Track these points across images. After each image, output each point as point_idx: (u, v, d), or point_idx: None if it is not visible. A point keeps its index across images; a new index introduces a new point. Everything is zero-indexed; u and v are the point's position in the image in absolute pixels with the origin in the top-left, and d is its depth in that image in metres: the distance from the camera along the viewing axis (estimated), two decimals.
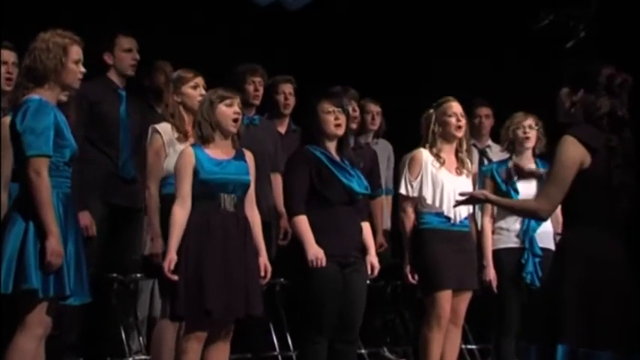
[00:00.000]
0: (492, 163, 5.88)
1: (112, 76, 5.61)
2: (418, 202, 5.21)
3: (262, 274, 4.58)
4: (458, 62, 7.31)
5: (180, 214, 4.47)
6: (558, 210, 3.88)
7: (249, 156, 4.67)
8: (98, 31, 5.55)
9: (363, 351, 6.14)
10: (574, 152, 3.67)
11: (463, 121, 5.25)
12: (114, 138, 5.49)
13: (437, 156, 5.22)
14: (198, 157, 4.53)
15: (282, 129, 6.05)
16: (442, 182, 5.17)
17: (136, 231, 5.56)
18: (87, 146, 5.29)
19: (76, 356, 5.41)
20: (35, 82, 4.04)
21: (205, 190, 4.51)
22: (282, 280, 5.73)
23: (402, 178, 5.23)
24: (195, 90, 4.94)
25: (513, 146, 5.62)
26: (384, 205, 6.35)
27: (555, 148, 3.71)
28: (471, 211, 5.32)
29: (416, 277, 5.20)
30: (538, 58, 6.74)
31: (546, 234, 5.42)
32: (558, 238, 3.89)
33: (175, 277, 4.41)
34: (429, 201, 5.17)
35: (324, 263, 4.72)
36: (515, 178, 5.40)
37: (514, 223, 5.47)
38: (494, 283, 5.43)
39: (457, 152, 5.28)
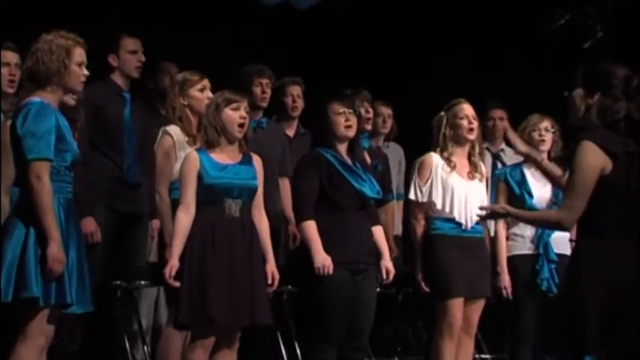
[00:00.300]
0: (506, 166, 5.89)
1: (117, 78, 5.61)
2: (428, 207, 5.21)
3: (269, 281, 4.59)
4: (472, 63, 7.32)
5: (184, 219, 4.49)
6: None
7: (257, 160, 4.67)
8: (102, 32, 5.56)
9: None
10: (594, 158, 3.62)
11: (475, 124, 5.25)
12: (118, 142, 5.50)
13: (448, 160, 5.21)
14: (203, 161, 4.54)
15: (291, 132, 6.05)
16: (452, 187, 5.17)
17: (140, 237, 5.57)
18: (91, 150, 5.30)
19: None
20: (37, 85, 4.05)
21: (210, 195, 4.52)
22: (290, 287, 5.74)
23: (412, 183, 5.24)
24: (202, 93, 4.96)
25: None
26: (395, 210, 6.36)
27: (574, 154, 3.66)
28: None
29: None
30: (554, 59, 6.74)
31: (562, 239, 5.40)
32: (572, 244, 3.83)
33: (177, 284, 4.42)
34: (439, 206, 5.17)
35: (331, 271, 4.73)
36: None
37: (528, 229, 5.47)
38: (509, 290, 5.44)
39: (469, 156, 5.28)
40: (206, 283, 4.41)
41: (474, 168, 5.28)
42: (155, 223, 5.43)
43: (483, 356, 6.43)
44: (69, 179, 4.09)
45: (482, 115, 5.94)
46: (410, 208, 5.29)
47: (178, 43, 6.52)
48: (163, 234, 4.90)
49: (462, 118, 5.23)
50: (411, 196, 5.23)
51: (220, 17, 6.93)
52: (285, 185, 5.71)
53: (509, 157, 6.32)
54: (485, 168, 5.45)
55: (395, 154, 6.63)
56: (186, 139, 4.90)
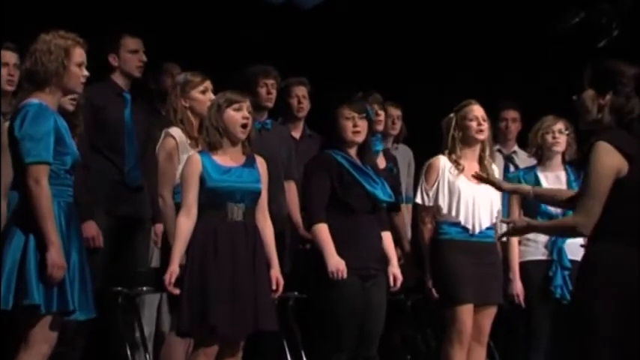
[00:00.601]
0: (519, 170, 5.89)
1: (117, 78, 5.62)
2: (435, 211, 5.22)
3: (274, 287, 4.59)
4: (484, 63, 7.31)
5: (186, 223, 4.49)
6: None
7: (261, 162, 4.67)
8: (102, 31, 5.58)
9: None
10: (610, 160, 3.60)
11: (485, 125, 5.25)
12: (119, 144, 5.49)
13: (456, 162, 5.22)
14: (205, 164, 4.54)
15: (297, 134, 6.05)
16: (459, 190, 5.17)
17: (142, 242, 5.57)
18: (90, 153, 5.29)
19: None
20: (36, 86, 4.06)
21: (212, 198, 4.52)
22: (296, 293, 5.74)
23: (419, 186, 5.26)
24: (204, 94, 4.98)
25: (542, 152, 5.63)
26: (405, 214, 6.36)
27: (588, 156, 3.62)
28: (494, 221, 5.32)
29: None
30: (569, 59, 6.73)
31: (576, 245, 5.36)
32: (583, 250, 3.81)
33: (177, 291, 4.43)
34: (445, 210, 5.18)
35: (345, 275, 4.74)
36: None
37: (541, 234, 5.47)
38: (522, 298, 5.44)
39: (480, 159, 5.28)
40: (207, 290, 4.42)
41: (484, 171, 5.27)
42: (158, 228, 5.45)
43: None
44: (69, 183, 4.09)
45: (494, 116, 5.94)
46: (417, 211, 5.31)
47: (181, 43, 6.53)
48: (167, 238, 4.91)
49: (471, 120, 5.24)
50: (418, 199, 5.24)
51: (224, 17, 6.94)
52: (291, 188, 5.71)
53: (522, 160, 6.32)
54: (497, 171, 5.45)
55: (404, 156, 6.63)
56: (189, 141, 4.91)
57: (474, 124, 5.23)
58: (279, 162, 5.67)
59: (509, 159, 6.48)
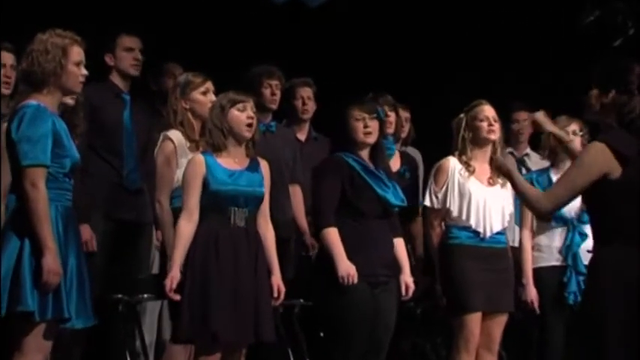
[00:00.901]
0: (532, 172, 5.87)
1: (115, 79, 5.63)
2: (445, 214, 5.21)
3: (275, 294, 4.59)
4: (495, 63, 7.31)
5: (187, 228, 4.48)
6: None
7: (264, 166, 4.67)
8: (102, 31, 5.59)
9: None
10: (599, 158, 3.63)
11: (496, 126, 5.24)
12: (117, 146, 5.50)
13: (466, 164, 5.21)
14: (210, 165, 4.53)
15: (302, 136, 6.05)
16: (470, 193, 5.16)
17: (142, 247, 5.58)
18: (88, 155, 5.27)
19: None
20: (33, 87, 4.06)
21: (215, 202, 4.52)
22: (301, 301, 5.74)
23: (427, 188, 5.24)
24: (205, 96, 4.96)
25: (555, 154, 5.61)
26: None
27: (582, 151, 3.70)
28: (506, 225, 5.31)
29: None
30: (583, 58, 6.72)
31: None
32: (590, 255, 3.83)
33: (177, 297, 4.43)
34: (455, 213, 5.17)
35: (355, 280, 4.74)
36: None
37: (556, 239, 5.46)
38: (536, 304, 5.43)
39: (492, 160, 5.25)
40: (209, 296, 4.42)
41: (495, 173, 5.26)
42: (160, 233, 5.44)
43: None
44: (68, 186, 4.09)
45: (505, 117, 5.93)
46: (426, 215, 5.29)
47: (183, 43, 6.54)
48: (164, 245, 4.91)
49: (481, 120, 5.23)
50: (427, 202, 5.24)
51: (226, 16, 6.94)
52: (296, 192, 5.71)
53: (534, 163, 6.30)
54: None
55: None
56: (188, 144, 4.90)
57: (484, 124, 5.22)
58: (284, 165, 5.68)
59: (521, 161, 6.47)
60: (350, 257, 4.78)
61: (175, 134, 4.94)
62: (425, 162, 6.56)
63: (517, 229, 5.65)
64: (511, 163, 6.27)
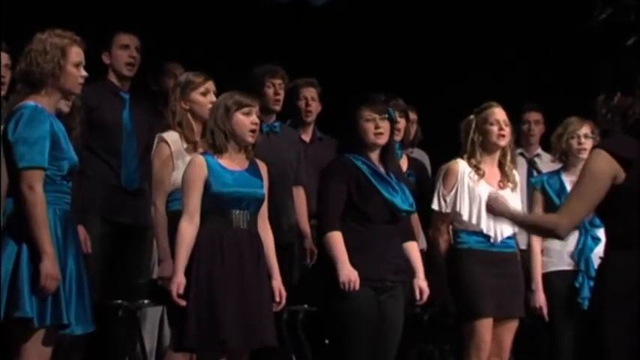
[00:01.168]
0: (542, 174, 5.85)
1: (112, 77, 5.64)
2: (454, 219, 5.21)
3: (277, 298, 4.60)
4: (504, 62, 7.31)
5: (189, 231, 4.48)
6: None
7: (262, 167, 4.68)
8: (101, 31, 5.61)
9: None
10: (605, 166, 3.63)
11: (507, 130, 5.23)
12: (116, 146, 5.50)
13: (476, 168, 5.21)
14: (211, 167, 4.54)
15: (307, 137, 6.04)
16: (480, 197, 5.14)
17: (142, 251, 5.57)
18: (85, 156, 5.25)
19: None
20: (31, 88, 4.06)
21: (217, 204, 4.52)
22: (305, 306, 5.76)
23: (435, 192, 5.23)
24: (205, 97, 4.95)
25: (566, 157, 5.61)
26: (417, 222, 6.35)
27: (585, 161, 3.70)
28: (516, 229, 5.32)
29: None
30: (595, 57, 6.72)
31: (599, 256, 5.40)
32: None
33: (184, 303, 4.42)
34: (465, 218, 5.16)
35: (357, 286, 4.74)
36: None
37: (567, 243, 5.46)
38: (545, 310, 5.44)
39: (500, 164, 5.28)
40: (215, 302, 4.42)
41: (505, 177, 5.27)
42: None
43: None
44: (66, 189, 4.10)
45: (516, 118, 5.94)
46: (433, 219, 5.29)
47: (184, 42, 6.55)
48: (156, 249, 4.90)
49: (492, 124, 5.22)
50: (434, 206, 5.22)
51: (229, 14, 6.95)
52: (299, 195, 5.71)
53: (545, 164, 6.30)
54: (519, 176, 5.44)
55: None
56: (185, 145, 4.89)
57: (495, 128, 5.21)
58: (288, 167, 5.68)
59: (532, 163, 6.46)
60: (355, 262, 4.78)
61: (171, 136, 4.92)
62: (431, 164, 6.58)
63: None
64: (521, 164, 6.30)
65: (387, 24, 7.38)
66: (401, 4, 7.32)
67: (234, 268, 4.49)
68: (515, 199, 5.27)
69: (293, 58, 6.32)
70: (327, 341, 5.33)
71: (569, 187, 5.51)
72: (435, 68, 7.38)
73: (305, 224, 5.70)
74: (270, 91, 5.74)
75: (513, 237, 5.29)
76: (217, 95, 4.91)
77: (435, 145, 6.48)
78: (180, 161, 4.84)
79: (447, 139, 5.58)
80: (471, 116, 5.30)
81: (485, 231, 5.17)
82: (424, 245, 6.48)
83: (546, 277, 5.49)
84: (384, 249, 4.87)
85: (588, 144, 5.54)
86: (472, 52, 7.37)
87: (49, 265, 3.92)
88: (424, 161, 6.63)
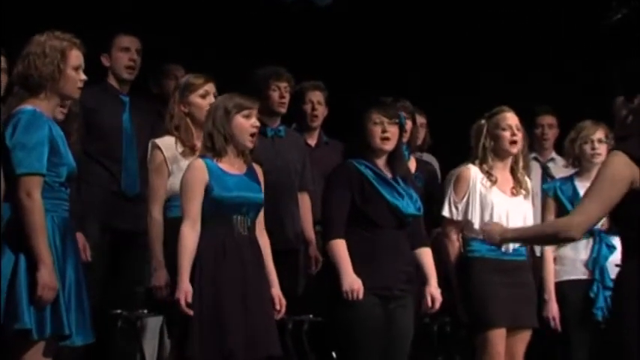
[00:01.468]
0: (555, 180, 5.85)
1: (112, 80, 5.65)
2: (464, 226, 5.22)
3: (277, 307, 4.60)
4: (517, 64, 7.31)
5: (191, 237, 4.47)
6: None
7: (259, 172, 4.69)
8: (100, 32, 5.62)
9: None
10: (624, 169, 3.62)
11: (519, 135, 5.23)
12: (116, 151, 5.51)
13: (488, 174, 5.22)
14: (212, 171, 4.53)
15: (312, 141, 6.05)
16: (492, 204, 5.16)
17: (143, 259, 5.58)
18: (84, 161, 5.23)
19: None
20: (29, 92, 4.06)
21: (218, 210, 4.52)
22: (310, 316, 5.77)
23: (446, 198, 5.23)
24: (204, 99, 4.91)
25: (580, 163, 5.62)
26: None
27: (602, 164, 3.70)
28: None
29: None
30: (610, 58, 6.73)
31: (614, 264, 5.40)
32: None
33: (192, 312, 4.40)
34: (477, 225, 5.16)
35: (360, 295, 4.75)
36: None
37: (582, 251, 5.47)
38: (557, 321, 5.44)
39: (512, 170, 5.28)
40: (220, 312, 4.42)
41: (517, 183, 5.27)
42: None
43: None
44: (64, 196, 4.10)
45: (529, 122, 5.94)
46: (443, 226, 5.29)
47: (186, 43, 6.56)
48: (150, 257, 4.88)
49: (504, 129, 5.22)
50: (445, 213, 5.23)
51: (231, 15, 6.96)
52: (304, 200, 5.71)
53: (559, 168, 6.30)
54: (532, 182, 5.45)
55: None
56: (181, 149, 4.87)
57: (507, 133, 5.22)
58: (293, 172, 5.69)
59: (545, 168, 6.46)
60: (360, 269, 4.78)
61: (165, 141, 4.90)
62: (440, 169, 6.59)
63: None
64: (535, 169, 6.30)
65: (395, 25, 7.38)
66: (409, 4, 7.32)
67: (238, 277, 4.49)
68: (527, 207, 5.29)
69: (297, 60, 6.32)
70: (334, 354, 5.35)
71: (582, 194, 5.50)
72: (445, 70, 7.38)
73: (310, 231, 5.71)
74: (275, 94, 5.73)
75: (525, 245, 5.30)
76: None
77: (445, 149, 6.48)
78: (176, 166, 4.83)
79: (455, 143, 5.58)
80: (482, 121, 5.31)
81: None
82: None
83: (559, 286, 5.49)
84: (392, 256, 4.87)
85: (602, 149, 5.54)
86: (483, 54, 7.37)
87: (47, 275, 3.92)
88: (434, 166, 6.63)
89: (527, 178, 5.35)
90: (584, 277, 5.50)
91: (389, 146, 4.91)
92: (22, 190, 3.96)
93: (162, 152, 4.87)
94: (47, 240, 3.97)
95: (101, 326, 4.98)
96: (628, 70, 3.80)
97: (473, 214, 5.19)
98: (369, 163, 4.91)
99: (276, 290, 4.62)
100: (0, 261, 3.95)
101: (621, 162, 3.64)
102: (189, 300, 4.41)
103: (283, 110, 5.81)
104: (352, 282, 4.75)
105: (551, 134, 6.65)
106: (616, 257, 5.37)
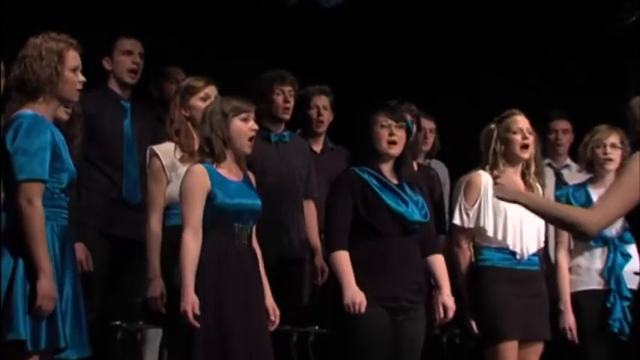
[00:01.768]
0: (568, 186, 5.84)
1: (113, 85, 5.66)
2: (476, 234, 5.21)
3: (272, 317, 4.60)
4: (528, 68, 7.31)
5: (194, 246, 4.46)
6: None
7: (253, 178, 4.69)
8: (101, 35, 5.62)
9: None
10: None
11: (531, 139, 5.23)
12: (117, 157, 5.51)
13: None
14: (214, 177, 4.53)
15: (318, 147, 6.04)
16: (505, 211, 5.15)
17: (143, 269, 5.57)
18: (84, 167, 5.22)
19: None
20: (28, 96, 4.07)
21: (219, 217, 4.51)
22: (316, 328, 5.75)
23: (457, 205, 5.22)
24: (204, 102, 4.90)
25: (592, 168, 5.61)
26: None
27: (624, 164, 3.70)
28: (542, 245, 5.32)
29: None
30: (623, 62, 6.71)
31: (631, 273, 5.38)
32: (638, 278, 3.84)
33: (198, 324, 4.39)
34: (490, 233, 5.16)
35: (362, 309, 4.73)
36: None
37: (596, 261, 5.46)
38: (574, 332, 5.42)
39: (523, 175, 5.27)
40: (226, 323, 4.42)
41: (529, 189, 5.25)
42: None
43: None
44: (64, 204, 4.11)
45: (543, 127, 5.92)
46: (453, 234, 5.27)
47: (187, 45, 6.56)
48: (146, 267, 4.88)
49: (514, 132, 5.22)
50: (456, 220, 5.22)
51: (234, 16, 6.96)
52: (309, 208, 5.70)
53: (574, 174, 6.28)
54: (547, 188, 5.44)
55: (438, 173, 6.61)
56: (180, 155, 4.86)
57: (518, 137, 5.21)
58: (298, 179, 5.68)
59: (559, 174, 6.45)
60: (365, 280, 4.77)
61: (162, 148, 4.91)
62: (450, 176, 6.58)
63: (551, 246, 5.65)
64: (549, 175, 6.28)
65: (402, 27, 7.39)
66: (416, 7, 7.32)
67: (240, 287, 4.50)
68: None
69: (301, 64, 6.32)
70: None
71: (595, 201, 5.49)
72: (454, 74, 7.38)
73: (315, 239, 5.69)
74: (279, 99, 5.71)
75: (537, 254, 5.28)
76: None
77: (453, 155, 6.47)
78: (174, 174, 4.83)
79: (464, 149, 5.57)
80: (492, 125, 5.31)
81: (511, 247, 5.17)
82: None
83: (575, 296, 5.48)
84: (400, 265, 4.85)
85: (615, 154, 5.54)
86: (493, 57, 7.37)
87: (46, 284, 3.92)
88: (444, 173, 6.62)
89: (538, 184, 5.33)
90: (600, 287, 5.49)
91: (395, 151, 4.91)
92: (23, 196, 3.96)
93: (160, 159, 4.88)
94: (47, 249, 3.96)
95: (101, 338, 4.97)
96: None
97: (486, 221, 5.19)
98: (374, 169, 4.90)
99: (269, 301, 4.62)
100: None
101: None
102: (197, 311, 4.40)
103: (287, 115, 5.78)
104: (354, 295, 4.74)
105: (566, 140, 6.62)
106: (632, 266, 5.38)
